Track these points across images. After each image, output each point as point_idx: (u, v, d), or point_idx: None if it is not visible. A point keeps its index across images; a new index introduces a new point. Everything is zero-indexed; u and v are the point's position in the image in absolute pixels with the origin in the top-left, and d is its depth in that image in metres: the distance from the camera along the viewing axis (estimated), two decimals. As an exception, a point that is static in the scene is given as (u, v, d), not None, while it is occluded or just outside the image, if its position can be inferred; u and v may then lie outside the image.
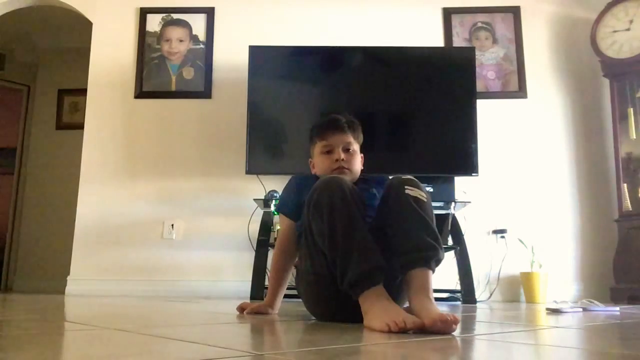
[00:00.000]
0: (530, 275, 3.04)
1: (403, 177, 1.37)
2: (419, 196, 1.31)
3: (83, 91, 3.53)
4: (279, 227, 2.84)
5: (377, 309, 1.16)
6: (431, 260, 1.26)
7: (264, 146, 3.09)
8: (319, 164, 1.61)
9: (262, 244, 2.83)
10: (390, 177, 1.40)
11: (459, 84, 3.12)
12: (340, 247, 1.23)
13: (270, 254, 2.87)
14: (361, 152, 1.63)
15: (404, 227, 1.29)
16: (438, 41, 3.48)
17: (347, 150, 1.57)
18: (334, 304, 1.37)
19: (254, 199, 2.98)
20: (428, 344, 0.95)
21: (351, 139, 1.58)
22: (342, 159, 1.55)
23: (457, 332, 1.09)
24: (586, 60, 3.45)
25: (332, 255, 1.26)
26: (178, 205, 3.27)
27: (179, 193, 3.29)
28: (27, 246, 4.68)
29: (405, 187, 1.32)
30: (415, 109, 3.13)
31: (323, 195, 1.30)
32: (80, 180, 3.31)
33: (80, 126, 3.46)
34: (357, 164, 1.59)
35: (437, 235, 1.29)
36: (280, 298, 1.63)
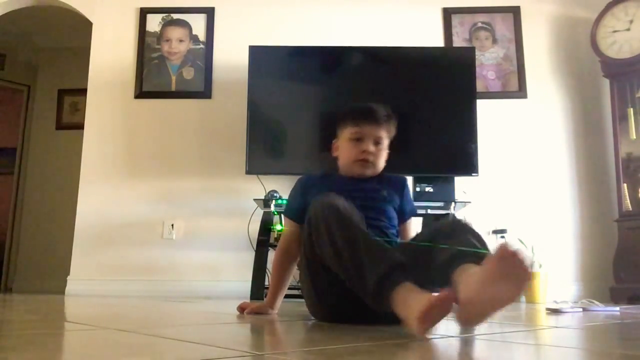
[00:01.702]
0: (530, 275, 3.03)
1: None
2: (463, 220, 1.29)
3: (83, 91, 3.53)
4: (279, 228, 2.84)
5: (409, 307, 1.00)
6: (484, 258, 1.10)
7: (264, 146, 3.09)
8: (344, 150, 1.55)
9: (262, 244, 2.83)
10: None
11: (459, 84, 3.11)
12: (352, 267, 1.16)
13: (271, 254, 2.86)
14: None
15: (449, 235, 1.20)
16: (438, 41, 3.47)
17: (377, 144, 1.52)
18: (337, 312, 1.35)
19: (254, 199, 2.98)
20: (428, 343, 0.95)
21: (384, 134, 1.53)
22: (370, 152, 1.50)
23: (457, 332, 1.09)
24: (586, 60, 3.45)
25: (347, 277, 1.19)
26: (178, 205, 3.27)
27: (179, 193, 3.29)
28: (27, 246, 4.67)
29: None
30: (415, 109, 3.13)
31: (320, 224, 1.25)
32: (80, 180, 3.31)
33: (80, 126, 3.46)
34: (383, 160, 1.55)
35: (485, 241, 1.19)
36: (280, 298, 1.63)
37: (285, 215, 1.63)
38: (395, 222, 1.55)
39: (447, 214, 1.16)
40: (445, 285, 1.05)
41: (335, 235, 1.20)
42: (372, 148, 1.50)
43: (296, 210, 1.57)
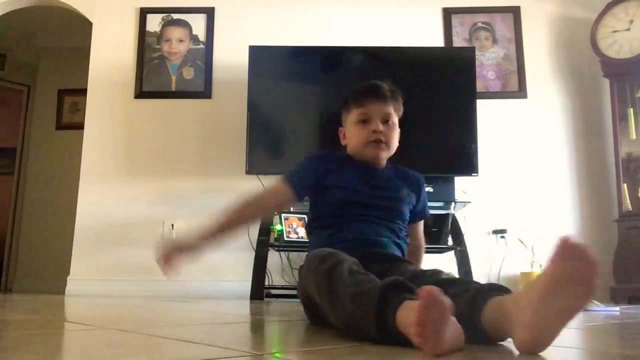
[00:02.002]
0: (531, 275, 3.04)
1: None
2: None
3: (83, 91, 3.53)
4: (279, 228, 2.84)
5: (409, 320, 0.83)
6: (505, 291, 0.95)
7: (264, 146, 3.09)
8: (352, 135, 1.45)
9: (262, 244, 2.82)
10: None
11: (459, 84, 3.11)
12: (351, 316, 0.98)
13: (270, 254, 2.86)
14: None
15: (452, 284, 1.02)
16: (438, 41, 3.47)
17: (385, 122, 1.43)
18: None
19: (254, 199, 2.97)
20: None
21: (392, 110, 1.44)
22: (380, 131, 1.40)
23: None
24: (586, 60, 3.45)
25: (347, 326, 1.02)
26: (178, 205, 3.27)
27: (179, 193, 3.29)
28: (27, 246, 4.67)
29: (443, 273, 1.13)
30: (415, 109, 3.12)
31: (319, 289, 1.09)
32: (80, 180, 3.31)
33: (80, 126, 3.46)
34: (395, 139, 1.45)
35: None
36: (213, 245, 1.34)
37: (286, 178, 1.42)
38: (407, 222, 1.49)
39: (434, 269, 1.04)
40: (470, 331, 0.87)
41: (335, 304, 1.04)
42: (381, 127, 1.41)
43: (301, 181, 1.43)
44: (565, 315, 0.81)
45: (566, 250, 0.81)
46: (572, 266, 0.80)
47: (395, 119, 1.46)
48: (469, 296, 0.94)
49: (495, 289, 0.95)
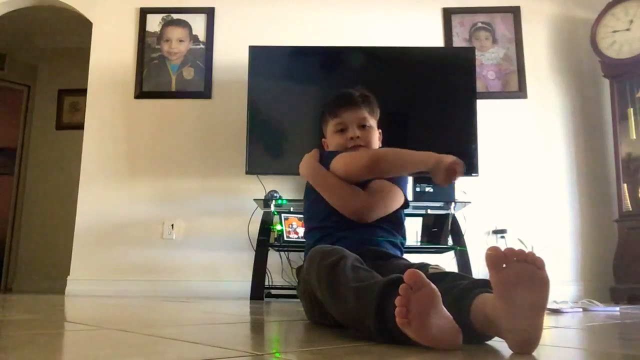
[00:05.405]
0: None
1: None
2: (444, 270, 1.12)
3: (83, 91, 3.53)
4: (279, 228, 2.84)
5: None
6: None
7: (264, 146, 3.09)
8: (333, 144, 1.52)
9: (262, 244, 2.82)
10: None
11: (459, 84, 3.12)
12: (351, 314, 1.01)
13: (270, 254, 2.87)
14: (378, 128, 1.54)
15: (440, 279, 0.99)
16: (438, 41, 3.47)
17: (362, 126, 1.48)
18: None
19: (254, 199, 2.98)
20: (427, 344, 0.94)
21: (366, 114, 1.49)
22: (357, 137, 1.46)
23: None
24: (586, 60, 3.45)
25: (345, 319, 1.05)
26: (178, 205, 3.27)
27: (179, 193, 3.29)
28: (27, 246, 4.68)
29: (429, 267, 1.15)
30: (415, 109, 3.13)
31: (320, 285, 1.11)
32: (80, 180, 3.31)
33: (80, 126, 3.46)
34: (375, 140, 1.50)
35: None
36: None
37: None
38: (403, 223, 1.51)
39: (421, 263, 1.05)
40: (464, 329, 0.88)
41: (336, 298, 1.06)
42: (358, 132, 1.47)
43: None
44: (534, 311, 0.81)
45: (498, 259, 0.82)
46: (512, 270, 0.81)
47: (371, 122, 1.51)
48: (453, 299, 0.93)
49: (478, 286, 0.94)
